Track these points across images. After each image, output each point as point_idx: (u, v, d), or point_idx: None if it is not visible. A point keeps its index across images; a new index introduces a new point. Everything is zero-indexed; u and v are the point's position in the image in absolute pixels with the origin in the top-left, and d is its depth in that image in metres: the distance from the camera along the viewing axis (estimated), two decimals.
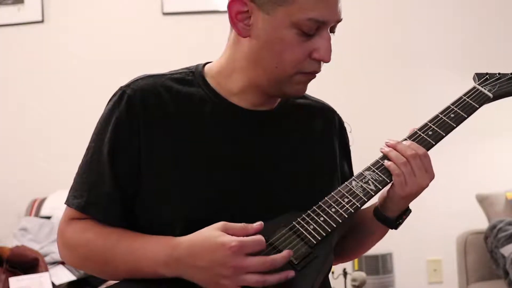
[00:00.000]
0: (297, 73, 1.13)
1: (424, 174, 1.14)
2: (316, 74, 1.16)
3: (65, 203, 1.17)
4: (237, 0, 1.12)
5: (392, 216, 1.18)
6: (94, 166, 1.15)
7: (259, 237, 1.02)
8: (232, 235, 1.01)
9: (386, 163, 1.14)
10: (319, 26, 1.10)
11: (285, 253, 1.03)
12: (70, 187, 1.18)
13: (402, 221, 1.19)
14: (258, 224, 1.04)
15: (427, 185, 1.14)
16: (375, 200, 1.20)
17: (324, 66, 1.16)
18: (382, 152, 1.17)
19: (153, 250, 1.07)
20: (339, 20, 1.13)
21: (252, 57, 1.14)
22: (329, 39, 1.12)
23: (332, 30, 1.15)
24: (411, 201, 1.17)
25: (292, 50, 1.11)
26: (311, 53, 1.12)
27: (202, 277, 1.02)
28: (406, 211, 1.19)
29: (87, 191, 1.14)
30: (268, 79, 1.14)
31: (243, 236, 1.01)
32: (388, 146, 1.16)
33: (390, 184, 1.15)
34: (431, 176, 1.15)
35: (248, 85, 1.17)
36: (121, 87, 1.18)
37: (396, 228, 1.20)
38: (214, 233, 1.02)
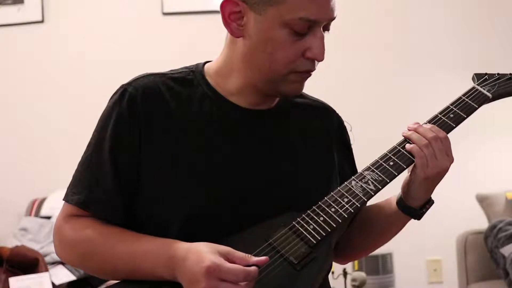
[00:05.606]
0: (290, 72, 1.13)
1: (444, 157, 1.14)
2: (312, 73, 1.16)
3: (63, 199, 1.17)
4: (229, 0, 1.13)
5: (416, 205, 1.19)
6: (95, 163, 1.15)
7: (243, 269, 0.98)
8: (231, 261, 0.99)
9: (408, 146, 1.15)
10: (311, 25, 1.10)
11: None
12: (69, 183, 1.17)
13: (426, 211, 1.20)
14: (262, 258, 1.02)
15: (448, 168, 1.15)
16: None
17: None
18: (403, 136, 1.17)
19: (154, 250, 1.06)
20: (332, 18, 1.13)
21: (247, 58, 1.14)
22: (322, 37, 1.12)
23: (326, 28, 1.14)
24: (432, 185, 1.16)
25: (284, 49, 1.10)
26: (304, 52, 1.11)
27: (184, 283, 1.02)
28: (429, 201, 1.19)
29: (88, 187, 1.14)
30: (263, 78, 1.15)
31: (242, 265, 0.99)
32: (410, 129, 1.17)
33: (412, 166, 1.15)
34: (451, 160, 1.15)
35: (246, 85, 1.18)
36: (123, 85, 1.19)
37: (419, 218, 1.20)
38: (209, 248, 1.01)
